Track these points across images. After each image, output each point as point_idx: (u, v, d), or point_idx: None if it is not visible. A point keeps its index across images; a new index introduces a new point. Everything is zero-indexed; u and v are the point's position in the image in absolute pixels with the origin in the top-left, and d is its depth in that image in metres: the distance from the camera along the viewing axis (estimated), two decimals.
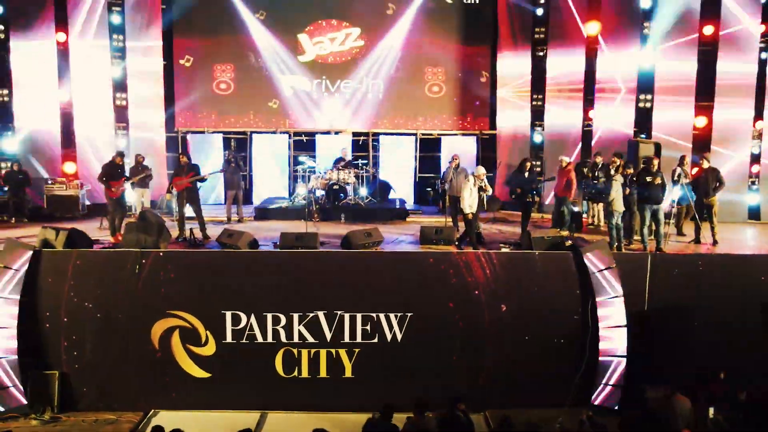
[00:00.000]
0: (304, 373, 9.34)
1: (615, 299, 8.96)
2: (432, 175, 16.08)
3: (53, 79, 13.87)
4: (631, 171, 10.48)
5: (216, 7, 15.42)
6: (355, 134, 16.14)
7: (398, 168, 16.30)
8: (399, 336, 9.31)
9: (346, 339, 9.30)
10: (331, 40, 15.85)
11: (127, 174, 11.57)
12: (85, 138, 14.31)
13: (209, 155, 15.70)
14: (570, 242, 9.78)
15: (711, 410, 7.69)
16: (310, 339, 9.29)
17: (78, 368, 9.17)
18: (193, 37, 15.57)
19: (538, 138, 15.22)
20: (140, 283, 9.12)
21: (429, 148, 16.32)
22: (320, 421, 7.62)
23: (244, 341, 9.26)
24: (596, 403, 9.01)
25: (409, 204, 15.41)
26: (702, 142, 12.85)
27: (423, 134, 16.21)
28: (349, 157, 14.84)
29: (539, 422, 7.64)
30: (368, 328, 9.29)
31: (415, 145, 16.25)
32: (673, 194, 11.01)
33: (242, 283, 9.28)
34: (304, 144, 16.05)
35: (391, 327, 9.30)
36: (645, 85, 13.21)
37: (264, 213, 13.61)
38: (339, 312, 9.26)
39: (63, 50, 13.94)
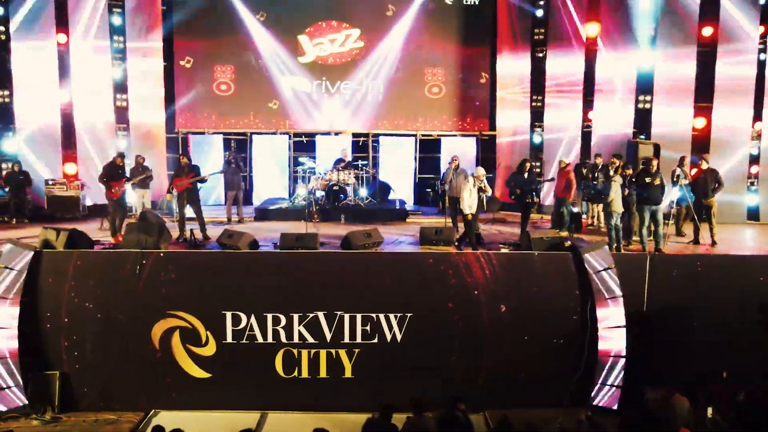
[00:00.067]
0: (304, 374, 9.36)
1: (614, 300, 8.98)
2: (432, 175, 16.13)
3: (54, 80, 13.91)
4: (630, 172, 10.51)
5: (216, 8, 15.49)
6: (355, 135, 16.19)
7: (398, 169, 16.35)
8: (399, 336, 9.32)
9: (346, 339, 9.32)
10: (331, 42, 15.90)
11: (128, 175, 11.61)
12: (85, 139, 14.34)
13: (209, 156, 15.74)
14: (569, 243, 9.79)
15: (710, 410, 7.72)
16: (310, 339, 9.30)
17: (78, 368, 9.18)
18: (193, 38, 15.62)
19: (537, 139, 15.25)
20: (141, 283, 9.14)
21: (429, 149, 16.36)
22: (320, 421, 7.63)
23: (244, 341, 9.27)
24: (595, 403, 9.01)
25: (409, 205, 15.46)
26: (701, 144, 12.89)
27: (423, 135, 16.25)
28: (349, 158, 14.88)
29: (538, 422, 7.68)
30: (368, 328, 9.31)
31: (414, 146, 16.30)
32: (671, 195, 11.04)
33: (242, 284, 9.30)
34: (304, 145, 16.10)
35: (390, 327, 9.32)
36: (644, 86, 13.25)
37: (264, 214, 13.65)
38: (339, 312, 9.28)
39: (64, 51, 13.99)
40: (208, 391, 9.30)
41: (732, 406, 7.74)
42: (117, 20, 14.32)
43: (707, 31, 12.65)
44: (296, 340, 9.30)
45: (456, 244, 10.60)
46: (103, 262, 9.33)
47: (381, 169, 15.92)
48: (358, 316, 9.28)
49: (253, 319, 9.25)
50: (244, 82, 15.90)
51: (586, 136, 14.35)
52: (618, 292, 8.96)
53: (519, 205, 11.54)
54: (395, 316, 9.29)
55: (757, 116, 13.21)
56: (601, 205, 11.82)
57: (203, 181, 11.46)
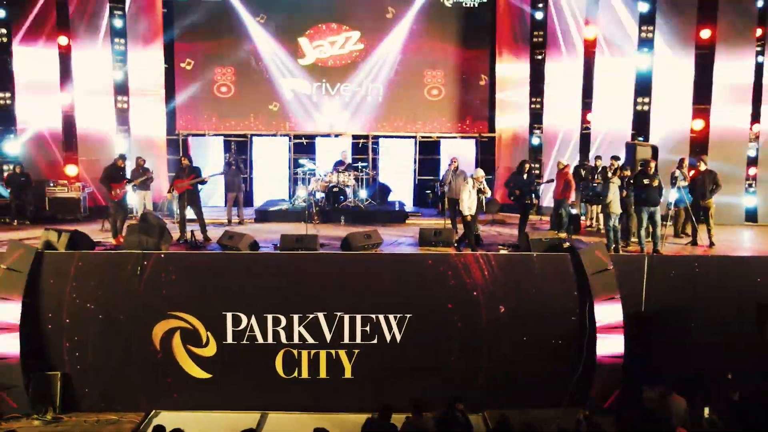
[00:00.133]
0: (304, 374, 9.40)
1: (612, 300, 9.03)
2: (431, 177, 16.17)
3: (55, 82, 13.98)
4: (628, 173, 10.55)
5: (217, 10, 15.55)
6: (354, 137, 16.25)
7: (398, 170, 16.38)
8: (398, 337, 9.37)
9: (346, 340, 9.36)
10: (331, 44, 15.97)
11: (129, 176, 11.65)
12: (86, 140, 14.39)
13: (210, 158, 15.79)
14: (568, 244, 9.83)
15: (706, 410, 7.76)
16: (310, 340, 9.35)
17: (80, 369, 9.23)
18: (193, 40, 15.69)
19: (536, 141, 15.31)
20: (141, 284, 9.18)
21: (428, 150, 16.41)
22: (320, 422, 7.67)
23: (244, 342, 9.31)
24: (593, 403, 9.05)
25: (409, 206, 15.50)
26: (699, 145, 12.95)
27: (422, 137, 16.30)
28: (348, 159, 14.93)
29: (537, 422, 7.71)
30: (368, 329, 9.35)
31: (414, 148, 16.34)
32: (670, 197, 11.08)
33: (243, 285, 9.35)
34: (304, 147, 16.15)
35: (390, 328, 9.36)
36: (643, 89, 13.31)
37: (264, 215, 13.69)
38: (339, 313, 9.32)
39: (65, 53, 14.06)
40: (208, 392, 9.34)
41: (729, 406, 7.78)
42: (118, 23, 14.36)
43: (705, 34, 12.72)
44: (296, 340, 9.34)
45: (455, 245, 10.64)
46: (105, 263, 9.38)
47: (381, 171, 15.96)
48: (358, 317, 9.33)
49: (253, 320, 9.29)
50: (244, 84, 15.96)
51: (584, 137, 14.42)
52: (616, 293, 9.02)
53: (518, 206, 11.58)
54: (395, 317, 9.34)
55: (755, 118, 13.26)
56: (599, 207, 11.88)
57: (204, 182, 11.52)
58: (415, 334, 9.35)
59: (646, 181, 10.11)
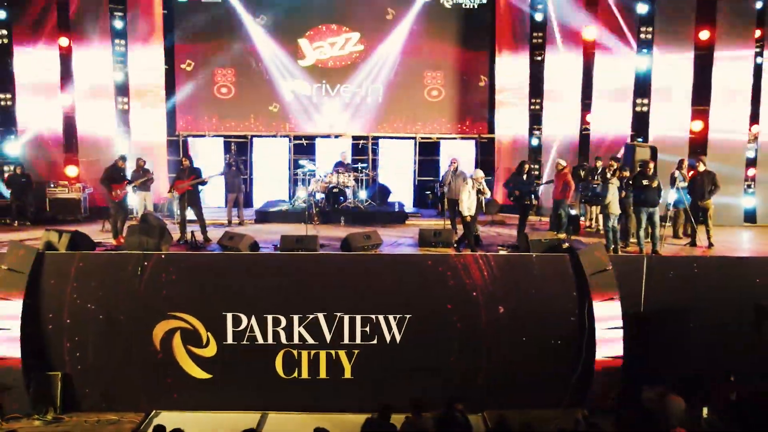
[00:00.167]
0: (304, 374, 9.43)
1: (611, 301, 9.06)
2: (431, 178, 16.17)
3: (56, 83, 14.01)
4: (627, 174, 10.58)
5: (217, 12, 15.55)
6: (354, 138, 16.26)
7: (397, 171, 16.37)
8: (398, 337, 9.39)
9: (346, 340, 9.39)
10: (331, 45, 15.99)
11: (129, 177, 11.67)
12: (87, 141, 14.42)
13: (210, 159, 15.79)
14: (567, 245, 9.86)
15: (705, 410, 7.79)
16: (310, 340, 9.37)
17: (80, 369, 9.26)
18: (194, 41, 15.71)
19: (535, 141, 15.33)
20: (142, 284, 9.21)
21: (428, 151, 16.41)
22: (320, 422, 7.68)
23: (244, 342, 9.34)
24: (592, 403, 9.07)
25: (408, 207, 15.51)
26: (698, 146, 12.99)
27: (422, 138, 16.32)
28: (348, 160, 14.95)
29: (536, 422, 7.73)
30: (367, 329, 9.38)
31: (414, 149, 16.35)
32: (669, 198, 11.11)
33: (243, 285, 9.38)
34: (304, 147, 16.16)
35: (390, 328, 9.38)
36: (642, 89, 13.33)
37: (264, 216, 13.70)
38: (339, 314, 9.35)
39: (65, 54, 14.09)
40: (208, 392, 9.37)
41: (727, 406, 7.80)
42: (118, 24, 14.38)
43: (704, 35, 12.75)
44: (296, 341, 9.37)
45: (455, 245, 10.66)
46: (105, 263, 9.41)
47: (380, 172, 15.97)
48: (358, 318, 9.35)
49: (253, 320, 9.32)
50: (244, 85, 15.98)
51: (584, 138, 14.44)
52: (615, 293, 9.04)
53: (518, 206, 11.61)
54: (394, 318, 9.36)
55: (754, 119, 13.29)
56: (598, 207, 11.90)
57: (204, 183, 11.55)
58: (414, 335, 9.38)
59: (645, 182, 10.14)
